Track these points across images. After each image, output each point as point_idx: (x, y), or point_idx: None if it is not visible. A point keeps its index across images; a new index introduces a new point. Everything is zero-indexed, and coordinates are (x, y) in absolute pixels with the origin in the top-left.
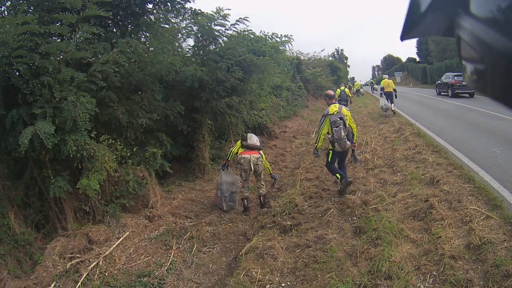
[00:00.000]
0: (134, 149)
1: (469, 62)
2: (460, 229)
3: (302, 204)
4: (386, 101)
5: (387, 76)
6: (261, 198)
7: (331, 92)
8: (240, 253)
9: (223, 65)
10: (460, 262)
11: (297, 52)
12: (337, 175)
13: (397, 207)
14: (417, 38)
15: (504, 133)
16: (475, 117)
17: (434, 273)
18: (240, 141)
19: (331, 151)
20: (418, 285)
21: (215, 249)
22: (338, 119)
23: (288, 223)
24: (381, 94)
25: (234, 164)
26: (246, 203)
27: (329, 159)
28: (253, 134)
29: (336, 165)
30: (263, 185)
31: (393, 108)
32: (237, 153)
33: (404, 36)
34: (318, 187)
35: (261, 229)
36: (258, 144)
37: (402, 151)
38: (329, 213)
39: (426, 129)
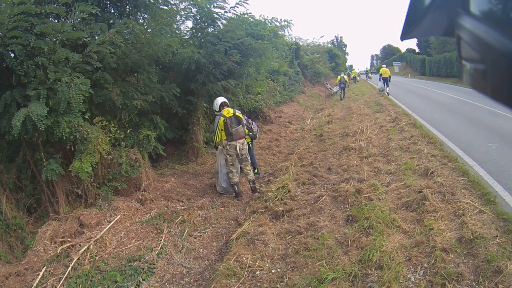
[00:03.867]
0: (128, 131)
1: (469, 62)
2: (452, 222)
3: (294, 190)
4: (383, 84)
5: (385, 65)
6: (251, 183)
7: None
8: (231, 238)
9: (221, 48)
10: (452, 256)
11: (296, 37)
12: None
13: (390, 196)
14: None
15: (500, 129)
16: (472, 111)
17: (425, 265)
18: (222, 119)
19: (250, 144)
20: (408, 276)
21: (206, 233)
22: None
23: (280, 209)
24: (379, 78)
25: None
26: (237, 188)
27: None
28: (240, 125)
29: None
30: (249, 170)
31: (387, 91)
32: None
33: (405, 36)
34: (311, 173)
35: (252, 214)
36: (244, 134)
37: (397, 141)
38: (321, 200)
39: (422, 120)
